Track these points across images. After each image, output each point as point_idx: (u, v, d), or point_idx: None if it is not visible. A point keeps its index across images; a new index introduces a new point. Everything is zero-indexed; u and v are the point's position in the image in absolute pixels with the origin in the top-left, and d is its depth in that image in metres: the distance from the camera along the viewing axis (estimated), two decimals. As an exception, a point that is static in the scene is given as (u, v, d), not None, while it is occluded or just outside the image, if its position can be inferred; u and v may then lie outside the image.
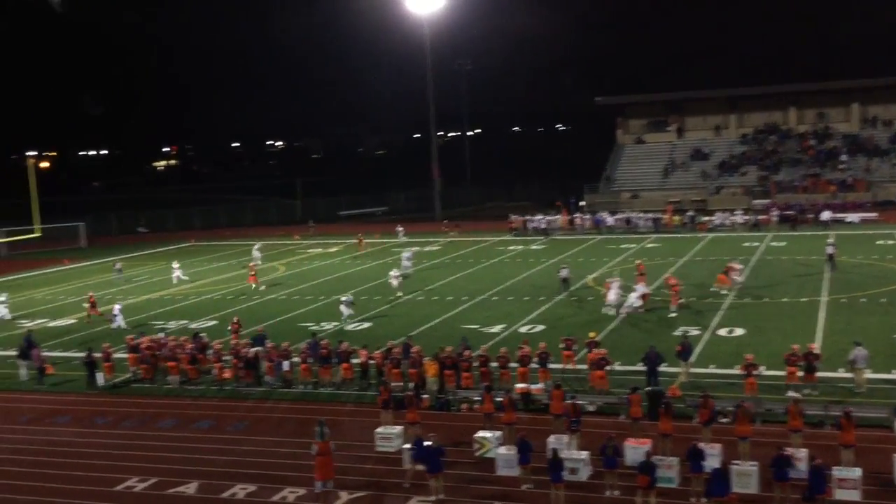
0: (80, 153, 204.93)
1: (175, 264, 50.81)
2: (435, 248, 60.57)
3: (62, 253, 66.81)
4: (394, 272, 43.69)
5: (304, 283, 47.51)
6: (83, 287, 50.09)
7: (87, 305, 40.64)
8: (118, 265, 54.47)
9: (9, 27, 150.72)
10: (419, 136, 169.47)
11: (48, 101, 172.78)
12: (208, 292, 46.12)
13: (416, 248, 59.48)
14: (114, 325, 37.62)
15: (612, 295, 35.02)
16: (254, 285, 45.80)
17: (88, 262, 61.87)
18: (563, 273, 41.41)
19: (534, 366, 25.33)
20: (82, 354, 29.94)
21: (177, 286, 48.03)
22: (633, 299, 34.72)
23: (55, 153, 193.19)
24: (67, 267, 59.73)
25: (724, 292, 37.68)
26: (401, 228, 66.90)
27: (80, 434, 24.19)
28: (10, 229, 67.14)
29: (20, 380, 30.02)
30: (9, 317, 41.82)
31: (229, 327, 33.49)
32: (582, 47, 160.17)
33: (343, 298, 37.07)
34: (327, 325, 35.72)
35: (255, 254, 55.55)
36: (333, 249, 62.04)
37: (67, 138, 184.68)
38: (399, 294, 41.71)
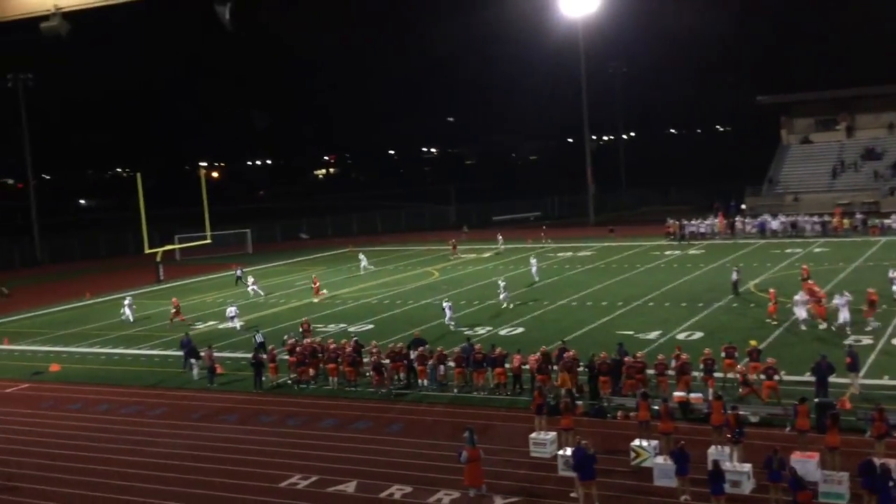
0: (248, 163, 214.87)
1: (251, 279, 51.87)
2: (588, 254, 59.94)
3: (230, 259, 70.16)
4: (502, 282, 43.47)
5: (458, 289, 48.02)
6: (246, 292, 52.40)
7: (172, 310, 43.43)
8: (239, 271, 56.47)
9: (184, 48, 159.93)
10: (572, 140, 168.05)
11: (218, 115, 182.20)
12: (366, 296, 47.33)
13: (568, 253, 59.03)
14: (237, 327, 39.90)
15: (800, 312, 33.02)
16: (315, 299, 46.88)
17: (254, 268, 64.63)
18: (735, 276, 40.57)
19: (695, 374, 24.64)
20: (249, 355, 31.34)
21: (254, 296, 49.44)
22: (800, 311, 32.63)
23: (224, 164, 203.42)
24: (234, 272, 62.60)
25: None
26: (500, 237, 66.22)
27: (247, 431, 25.33)
28: (182, 236, 71.00)
29: (193, 379, 31.71)
30: (132, 319, 44.49)
31: (300, 329, 34.93)
32: (742, 44, 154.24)
33: (445, 303, 37.96)
34: (481, 330, 35.96)
35: (363, 261, 57.18)
36: (487, 255, 62.42)
37: (235, 150, 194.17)
38: (505, 305, 41.28)
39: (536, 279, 48.47)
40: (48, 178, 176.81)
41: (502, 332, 35.50)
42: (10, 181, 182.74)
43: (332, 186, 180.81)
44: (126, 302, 45.86)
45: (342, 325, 39.08)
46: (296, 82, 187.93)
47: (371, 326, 38.73)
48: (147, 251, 58.92)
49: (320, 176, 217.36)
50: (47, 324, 46.53)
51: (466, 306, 42.46)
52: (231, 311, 41.22)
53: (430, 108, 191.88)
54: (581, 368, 26.04)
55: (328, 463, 22.08)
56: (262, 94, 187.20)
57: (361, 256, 59.45)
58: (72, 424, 27.37)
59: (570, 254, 60.27)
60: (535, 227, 79.20)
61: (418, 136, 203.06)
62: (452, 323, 37.04)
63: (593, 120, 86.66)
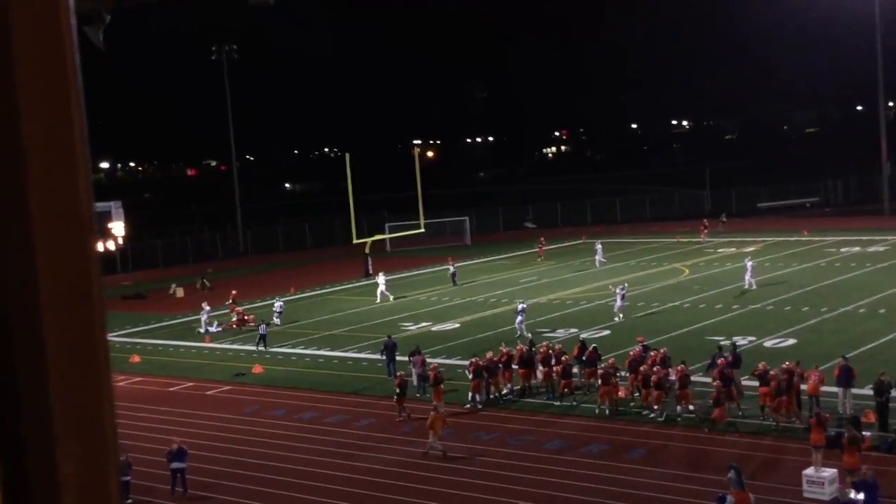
0: (467, 141, 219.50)
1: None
2: (881, 249, 56.62)
3: (445, 251, 71.94)
4: (620, 289, 42.45)
5: (713, 289, 46.81)
6: (464, 289, 53.58)
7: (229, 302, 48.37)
8: (452, 267, 55.94)
9: (396, 16, 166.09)
10: (862, 108, 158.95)
11: (434, 87, 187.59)
12: (602, 297, 47.05)
13: (855, 249, 55.94)
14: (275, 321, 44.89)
15: None
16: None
17: (472, 261, 66.01)
18: None
19: None
20: (466, 362, 31.96)
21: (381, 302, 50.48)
22: None
23: (440, 142, 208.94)
24: (453, 265, 64.15)
25: None
26: (599, 247, 59.97)
27: (462, 450, 25.89)
28: (393, 224, 73.40)
29: (412, 384, 32.53)
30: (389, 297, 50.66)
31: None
32: None
33: (519, 307, 39.62)
34: (741, 340, 34.84)
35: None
36: (750, 249, 60.37)
37: (453, 126, 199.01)
38: (619, 317, 40.94)
39: (747, 287, 46.12)
40: (251, 159, 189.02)
41: (768, 344, 34.35)
42: (213, 163, 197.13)
43: (563, 167, 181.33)
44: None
45: (573, 330, 39.09)
46: (520, 46, 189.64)
47: (607, 332, 38.50)
48: (355, 241, 61.35)
49: (550, 155, 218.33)
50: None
51: (723, 311, 41.37)
52: (277, 304, 46.93)
53: (682, 72, 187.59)
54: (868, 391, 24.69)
55: (556, 491, 22.20)
56: (483, 60, 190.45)
57: (598, 247, 59.11)
58: (274, 433, 29.09)
59: (857, 249, 57.16)
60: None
61: (667, 105, 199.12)
62: (521, 328, 38.62)
63: (890, 82, 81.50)
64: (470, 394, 30.08)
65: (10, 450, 1.25)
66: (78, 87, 1.27)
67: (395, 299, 50.74)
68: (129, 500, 23.86)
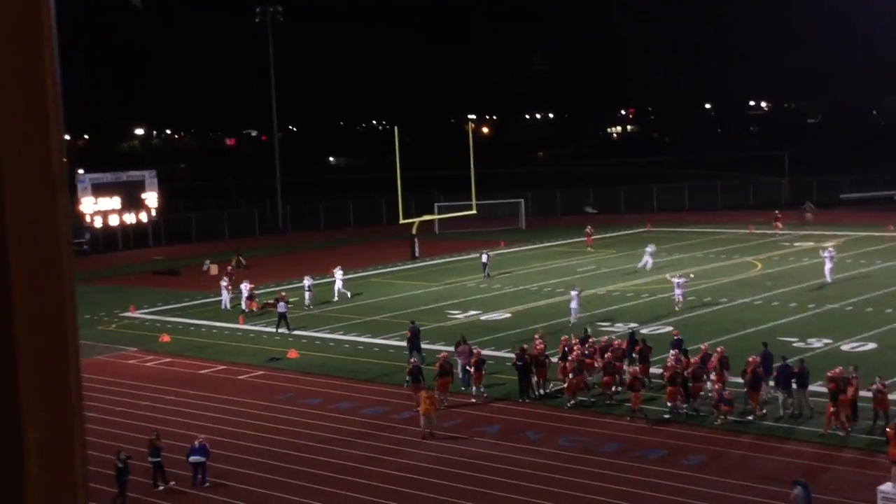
0: (525, 117, 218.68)
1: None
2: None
3: (498, 235, 71.88)
4: (678, 278, 43.16)
5: (788, 286, 46.35)
6: (516, 277, 53.53)
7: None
8: (485, 256, 55.01)
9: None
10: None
11: (492, 58, 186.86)
12: (665, 290, 46.72)
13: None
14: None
15: None
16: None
17: (526, 247, 65.92)
18: None
19: None
20: (512, 356, 31.89)
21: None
22: None
23: (496, 117, 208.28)
24: (504, 251, 64.11)
25: None
26: (650, 249, 55.23)
27: (509, 449, 25.96)
28: (443, 205, 73.35)
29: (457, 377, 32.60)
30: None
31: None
32: None
33: (574, 292, 39.98)
34: (816, 343, 34.52)
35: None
36: (830, 244, 59.60)
37: (511, 101, 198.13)
38: (677, 307, 41.66)
39: (829, 280, 46.18)
40: (294, 129, 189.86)
41: (845, 348, 34.04)
42: (254, 133, 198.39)
43: (628, 148, 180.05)
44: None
45: (632, 325, 38.91)
46: (586, 17, 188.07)
47: (669, 329, 38.24)
48: (402, 221, 61.54)
49: (614, 135, 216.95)
50: (286, 302, 50.04)
51: (797, 309, 40.95)
52: (306, 282, 46.74)
53: (761, 48, 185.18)
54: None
55: (608, 497, 22.18)
56: (546, 31, 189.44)
57: (649, 249, 54.39)
58: (307, 422, 29.34)
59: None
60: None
61: (744, 84, 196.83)
62: (574, 318, 39.10)
63: None
64: (473, 387, 30.75)
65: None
66: (52, 38, 1.28)
67: (352, 296, 48.91)
68: (161, 486, 24.33)
